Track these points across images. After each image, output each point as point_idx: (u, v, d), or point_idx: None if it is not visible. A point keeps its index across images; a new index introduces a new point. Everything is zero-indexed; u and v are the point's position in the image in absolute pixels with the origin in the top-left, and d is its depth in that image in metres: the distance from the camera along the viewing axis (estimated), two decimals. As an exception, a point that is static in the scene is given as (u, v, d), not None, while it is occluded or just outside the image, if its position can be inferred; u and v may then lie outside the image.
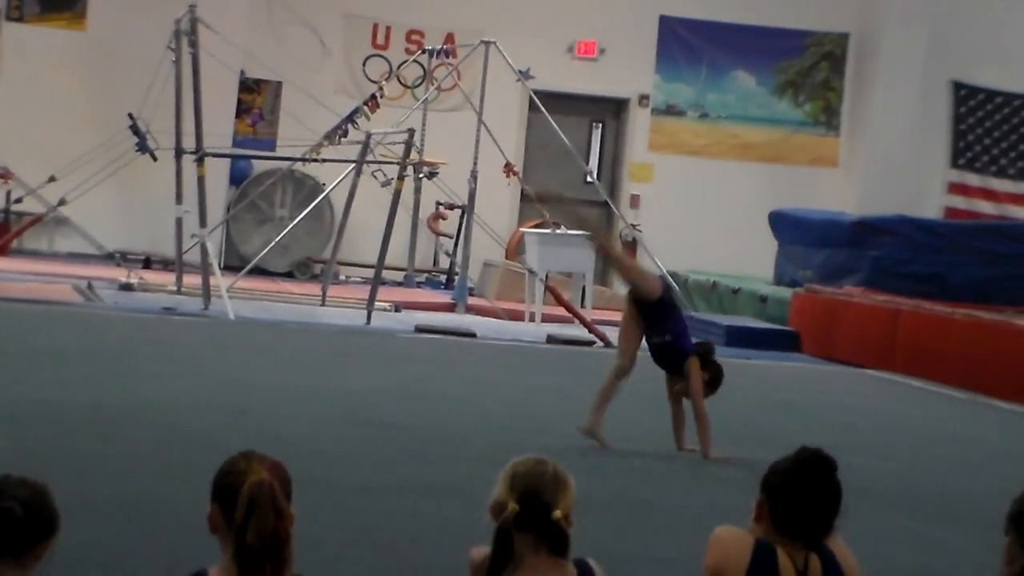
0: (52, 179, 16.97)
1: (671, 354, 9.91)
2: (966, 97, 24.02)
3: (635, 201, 23.59)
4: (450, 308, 19.00)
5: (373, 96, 19.17)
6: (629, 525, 7.58)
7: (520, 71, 19.74)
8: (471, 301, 19.23)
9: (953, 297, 17.26)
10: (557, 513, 3.73)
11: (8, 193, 20.01)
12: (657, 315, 9.92)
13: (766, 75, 23.99)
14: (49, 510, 3.46)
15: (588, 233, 11.24)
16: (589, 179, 21.59)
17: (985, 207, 23.97)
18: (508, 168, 19.78)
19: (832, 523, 4.00)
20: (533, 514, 3.73)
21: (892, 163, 23.17)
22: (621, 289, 22.65)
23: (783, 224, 20.93)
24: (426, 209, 21.54)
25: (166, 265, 20.00)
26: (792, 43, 23.94)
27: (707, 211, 23.32)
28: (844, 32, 23.94)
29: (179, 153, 17.38)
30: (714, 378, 9.97)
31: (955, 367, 15.40)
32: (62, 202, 17.16)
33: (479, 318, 18.38)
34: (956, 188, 24.05)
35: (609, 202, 21.56)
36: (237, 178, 21.89)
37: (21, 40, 21.61)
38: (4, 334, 13.22)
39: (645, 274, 10.50)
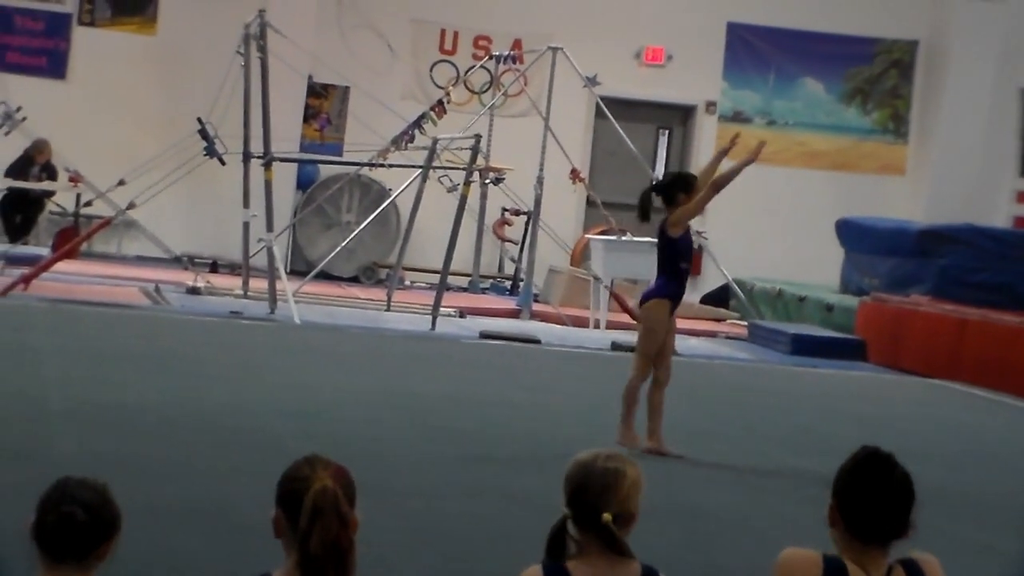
0: (121, 183, 17.08)
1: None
2: (1036, 106, 23.83)
3: (701, 208, 23.46)
4: (515, 314, 18.99)
5: (440, 101, 19.21)
6: (694, 534, 7.55)
7: (587, 77, 19.72)
8: (536, 307, 19.21)
9: (1021, 307, 17.10)
10: (606, 516, 3.71)
11: (78, 196, 20.15)
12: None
13: (834, 82, 23.87)
14: (110, 511, 3.47)
15: None
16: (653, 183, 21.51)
17: (1055, 216, 23.76)
18: (574, 174, 19.77)
19: (905, 520, 3.92)
20: (583, 517, 3.73)
21: (960, 172, 23.00)
22: (686, 296, 22.59)
23: (850, 232, 20.81)
24: (492, 215, 21.55)
25: (233, 269, 20.09)
26: (861, 50, 23.81)
27: (773, 219, 23.21)
28: (913, 39, 23.80)
29: (247, 157, 17.46)
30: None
31: (1023, 377, 15.25)
32: (131, 205, 17.27)
33: (544, 324, 18.36)
34: (1025, 197, 23.85)
35: (675, 209, 21.45)
36: (304, 182, 21.97)
37: (92, 44, 21.79)
38: (73, 337, 13.33)
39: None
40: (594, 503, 3.72)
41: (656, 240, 10.07)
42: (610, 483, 3.75)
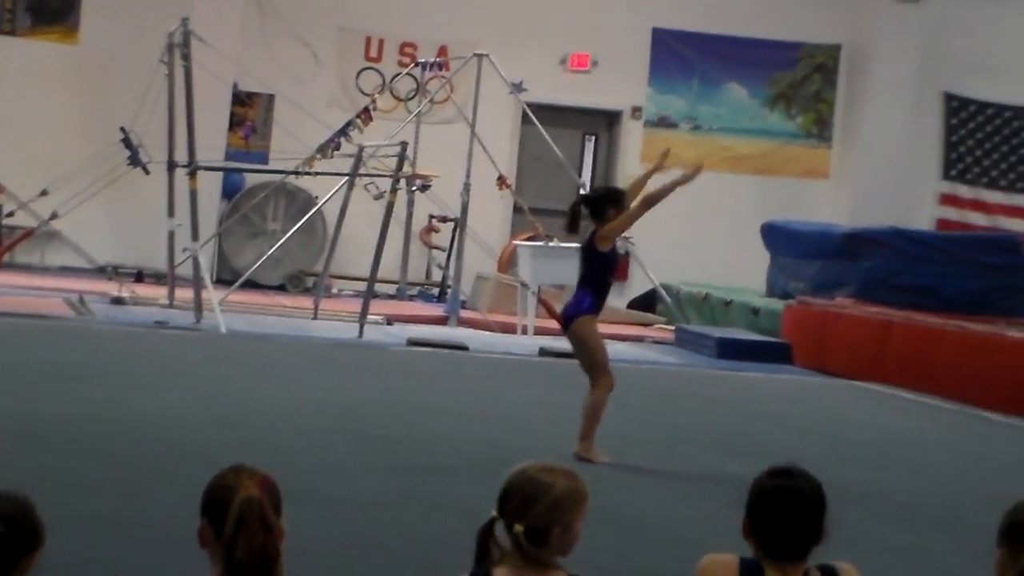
0: (44, 193, 16.96)
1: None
2: (958, 109, 24.06)
3: (628, 213, 23.52)
4: (442, 321, 18.98)
5: (366, 109, 19.18)
6: (621, 540, 7.57)
7: (513, 84, 19.75)
8: (463, 314, 19.22)
9: (945, 309, 17.27)
10: (517, 528, 3.71)
11: (0, 207, 19.99)
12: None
13: (758, 87, 24.01)
14: (32, 524, 3.44)
15: None
16: (582, 192, 21.57)
17: (977, 218, 24.00)
18: (501, 181, 19.79)
19: (818, 533, 3.93)
20: (505, 523, 3.74)
21: (884, 175, 23.18)
22: (613, 301, 22.66)
23: (775, 236, 20.94)
24: (419, 222, 21.54)
25: (158, 279, 19.96)
26: (784, 55, 23.95)
27: (699, 223, 23.31)
28: (836, 44, 23.97)
29: (171, 166, 17.37)
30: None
31: (947, 379, 15.40)
32: (54, 216, 17.15)
33: (471, 331, 18.37)
34: (948, 199, 24.07)
35: (601, 214, 21.51)
36: (229, 191, 21.87)
37: (13, 54, 21.59)
38: (-4, 348, 13.20)
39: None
40: (512, 512, 3.73)
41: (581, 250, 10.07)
42: (532, 494, 3.73)
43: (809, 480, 3.98)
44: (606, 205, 9.84)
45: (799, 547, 3.92)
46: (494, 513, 3.77)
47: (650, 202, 9.95)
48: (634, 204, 9.90)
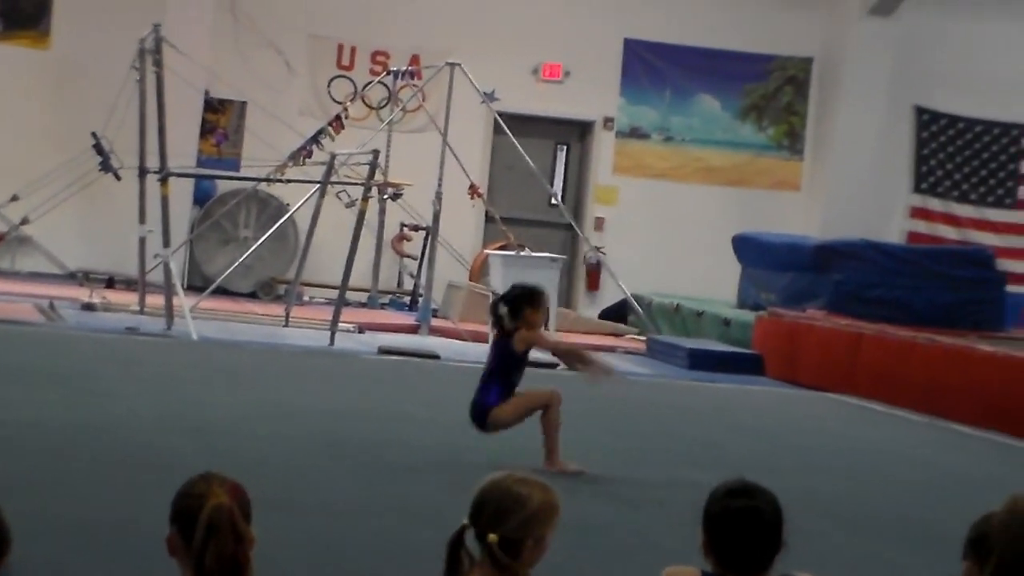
0: (15, 198, 16.90)
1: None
2: (929, 122, 24.15)
3: (599, 224, 23.60)
4: (414, 330, 18.96)
5: (338, 117, 19.16)
6: (590, 551, 7.57)
7: (485, 93, 19.76)
8: (435, 323, 19.21)
9: (916, 321, 17.32)
10: (492, 537, 3.71)
11: (-30, 212, 19.93)
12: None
13: (730, 99, 24.06)
14: (0, 529, 3.43)
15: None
16: (553, 201, 21.61)
17: (947, 232, 24.09)
18: (473, 190, 19.79)
19: (771, 556, 3.92)
20: (477, 533, 3.73)
21: (855, 187, 23.25)
22: (584, 311, 22.72)
23: (746, 247, 20.98)
24: (390, 230, 21.53)
25: (129, 285, 19.89)
26: (756, 67, 24.01)
27: (671, 234, 23.35)
28: (808, 56, 24.04)
29: (143, 172, 17.32)
30: None
31: (917, 391, 15.44)
32: (24, 221, 17.09)
33: (443, 340, 18.35)
34: (918, 212, 24.16)
35: (573, 225, 21.58)
36: (201, 198, 21.82)
37: (-16, 58, 21.53)
38: (-35, 353, 13.14)
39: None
40: (486, 522, 3.72)
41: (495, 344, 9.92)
42: (507, 506, 3.74)
43: (765, 495, 3.97)
44: (522, 304, 9.76)
45: (760, 562, 3.92)
46: (465, 521, 3.77)
47: (564, 353, 9.94)
48: (562, 344, 9.80)
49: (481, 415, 9.75)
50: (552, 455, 9.70)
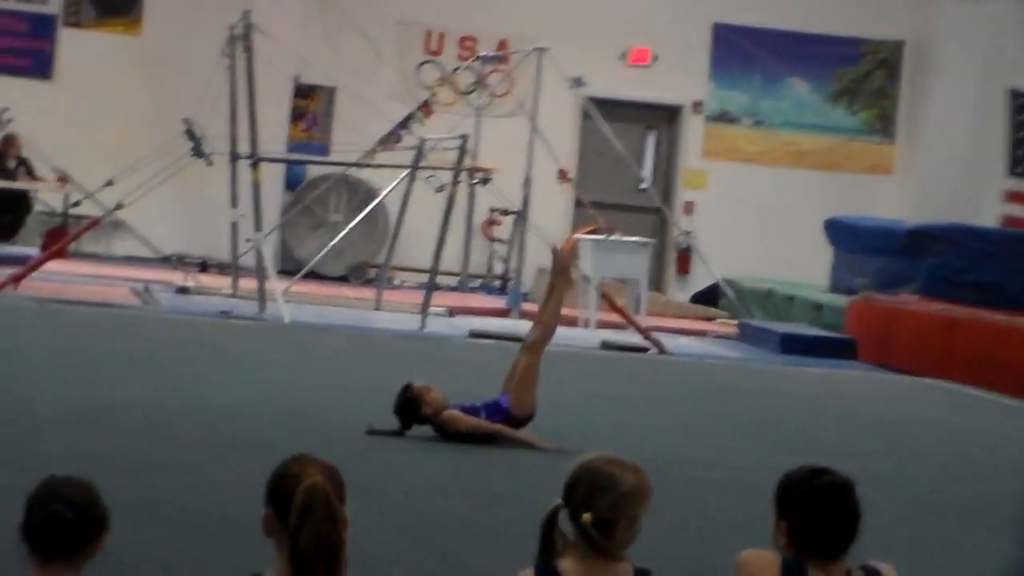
0: (109, 183, 17.05)
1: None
2: (1023, 105, 23.86)
3: (689, 208, 23.53)
4: (504, 313, 18.99)
5: (426, 102, 19.20)
6: (683, 532, 7.55)
7: (573, 78, 19.71)
8: (525, 307, 19.20)
9: (1010, 305, 17.14)
10: (585, 517, 3.72)
11: (66, 197, 20.15)
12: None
13: (821, 82, 23.89)
14: (98, 508, 3.47)
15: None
16: (643, 186, 21.55)
17: (1043, 216, 23.80)
18: (562, 174, 19.77)
19: (851, 537, 3.93)
20: (571, 513, 3.75)
21: (948, 171, 23.02)
22: (675, 295, 22.66)
23: (839, 232, 20.84)
24: (480, 215, 21.55)
25: (222, 269, 20.06)
26: (847, 51, 23.83)
27: (762, 218, 23.23)
28: (900, 40, 23.82)
29: (234, 158, 17.44)
30: None
31: (1012, 376, 15.27)
32: (119, 206, 17.24)
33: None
34: (1013, 196, 23.88)
35: (663, 208, 21.52)
36: (292, 183, 21.97)
37: (78, 45, 21.76)
38: (62, 336, 13.31)
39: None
40: (580, 502, 3.73)
41: None
42: (600, 486, 3.76)
43: (845, 477, 3.99)
44: (409, 408, 9.49)
45: (841, 543, 3.91)
46: (559, 502, 3.78)
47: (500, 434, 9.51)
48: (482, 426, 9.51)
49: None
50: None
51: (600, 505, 3.73)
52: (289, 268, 20.67)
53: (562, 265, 10.04)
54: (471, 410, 9.55)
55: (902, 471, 9.85)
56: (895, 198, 23.42)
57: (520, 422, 9.55)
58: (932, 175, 23.19)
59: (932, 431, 12.81)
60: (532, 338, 9.72)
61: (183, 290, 17.71)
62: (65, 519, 3.40)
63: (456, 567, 6.60)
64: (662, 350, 16.57)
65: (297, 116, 22.33)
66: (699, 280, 22.52)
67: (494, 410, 9.55)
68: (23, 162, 20.52)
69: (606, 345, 16.61)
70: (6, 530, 3.49)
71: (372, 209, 20.11)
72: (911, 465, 10.29)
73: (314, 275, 19.79)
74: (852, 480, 3.99)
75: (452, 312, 18.28)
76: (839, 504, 3.92)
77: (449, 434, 9.48)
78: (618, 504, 3.74)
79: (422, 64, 22.78)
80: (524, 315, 18.88)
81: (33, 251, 18.75)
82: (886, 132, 24.08)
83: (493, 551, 6.77)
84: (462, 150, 17.41)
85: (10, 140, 19.99)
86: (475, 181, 19.47)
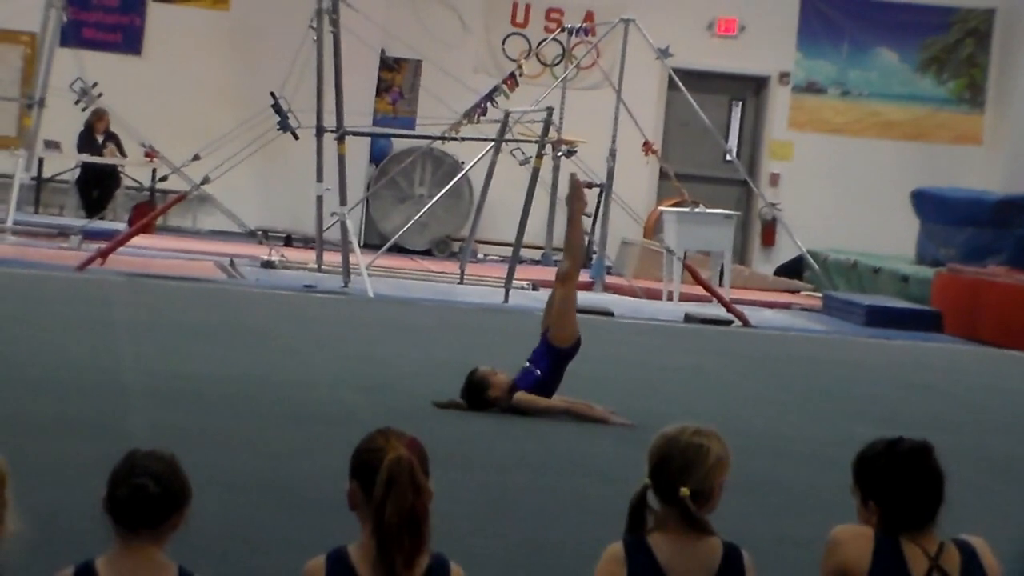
0: (196, 158, 17.19)
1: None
2: (1115, 73, 23.53)
3: (775, 179, 23.39)
4: (588, 287, 18.96)
5: (512, 75, 19.18)
6: (765, 506, 7.54)
7: (659, 49, 19.64)
8: (609, 280, 19.19)
9: (1099, 277, 16.93)
10: (683, 491, 3.74)
11: (154, 171, 20.32)
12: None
13: (909, 52, 23.66)
14: (180, 481, 3.52)
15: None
16: (728, 158, 21.46)
17: None
18: (647, 146, 19.71)
19: (937, 505, 3.92)
20: (663, 490, 3.76)
21: (1038, 141, 22.72)
22: (759, 267, 22.56)
23: (925, 203, 20.65)
24: (564, 188, 21.49)
25: (307, 243, 20.19)
26: (937, 19, 23.58)
27: (848, 189, 23.05)
28: (990, 7, 23.54)
29: (320, 131, 17.52)
30: None
31: (1102, 349, 15.11)
32: (205, 180, 17.37)
33: (617, 297, 18.34)
34: (1104, 166, 23.56)
35: (748, 180, 21.41)
36: (377, 156, 22.04)
37: (166, 20, 21.93)
38: (149, 310, 13.45)
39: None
40: (674, 477, 3.75)
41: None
42: (692, 459, 3.79)
43: (922, 441, 3.98)
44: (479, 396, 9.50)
45: (930, 512, 3.91)
46: (647, 481, 3.79)
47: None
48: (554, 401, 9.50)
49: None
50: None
51: (696, 477, 3.76)
52: (373, 242, 20.75)
53: (577, 189, 10.04)
54: (529, 376, 9.54)
55: (987, 444, 9.77)
56: (983, 169, 23.16)
57: (567, 354, 9.54)
58: (1021, 145, 22.90)
59: (1018, 403, 12.69)
60: (564, 269, 9.76)
61: (268, 264, 17.82)
62: (148, 492, 3.45)
63: (539, 538, 6.62)
64: (746, 323, 16.51)
65: (383, 89, 22.40)
66: (784, 252, 22.40)
67: (540, 358, 9.50)
68: (112, 137, 20.73)
69: (689, 318, 16.56)
70: (93, 503, 3.54)
71: (456, 182, 20.15)
72: (996, 437, 10.20)
73: (398, 249, 19.87)
74: (929, 443, 3.97)
75: (536, 286, 18.28)
76: (921, 468, 3.91)
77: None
78: (710, 473, 3.79)
79: (508, 36, 22.77)
80: (608, 288, 18.89)
81: (120, 226, 18.94)
82: (975, 102, 23.82)
83: (577, 523, 6.79)
84: (547, 123, 17.40)
85: (99, 115, 20.18)
86: (560, 154, 19.45)
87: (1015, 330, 16.45)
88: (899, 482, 3.89)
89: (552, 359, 9.54)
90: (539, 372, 9.55)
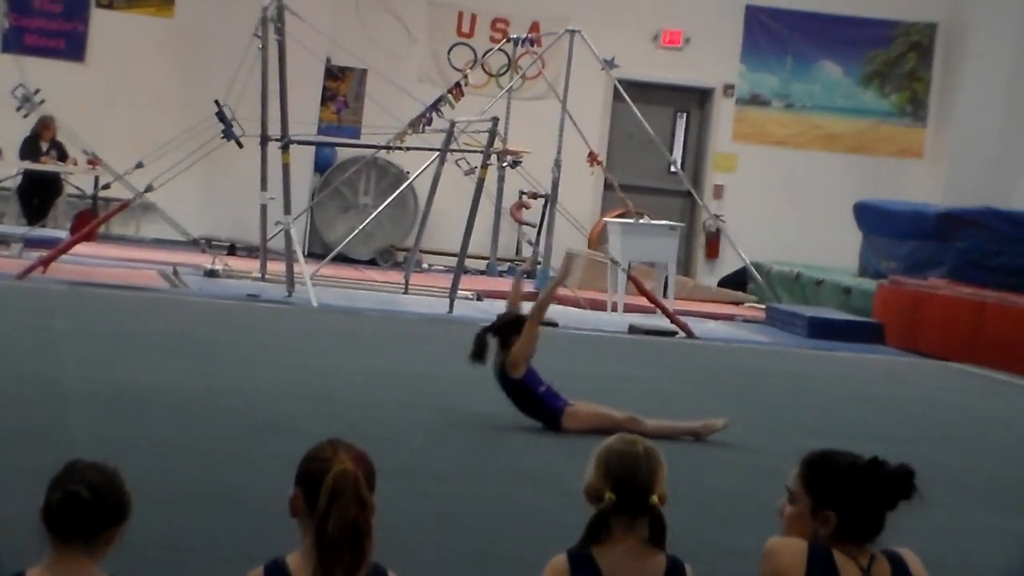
0: (139, 165, 17.10)
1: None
2: (1055, 89, 23.72)
3: (719, 191, 23.49)
4: (532, 297, 18.90)
5: (457, 84, 19.19)
6: (709, 518, 7.55)
7: (605, 60, 19.68)
8: (553, 290, 19.18)
9: (1041, 290, 17.04)
10: (654, 498, 3.76)
11: (96, 179, 20.20)
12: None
13: (852, 65, 23.81)
14: (119, 495, 3.48)
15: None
16: (673, 169, 21.53)
17: (1075, 200, 23.66)
18: (592, 157, 19.75)
19: (883, 515, 3.94)
20: (630, 500, 3.77)
21: (979, 154, 22.91)
22: (703, 279, 22.63)
23: (868, 215, 20.76)
24: (509, 198, 21.54)
25: (250, 252, 20.11)
26: (879, 33, 23.74)
27: (791, 202, 23.18)
28: (932, 22, 23.72)
29: (264, 140, 17.46)
30: None
31: (1042, 361, 15.22)
32: (149, 188, 17.29)
33: (561, 307, 18.34)
34: (1045, 180, 23.75)
35: (693, 192, 21.48)
36: (321, 165, 21.99)
37: (110, 27, 21.82)
38: (91, 319, 13.37)
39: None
40: (642, 487, 3.76)
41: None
42: (655, 466, 3.84)
43: (905, 465, 3.99)
44: (510, 333, 9.48)
45: (876, 521, 3.91)
46: (611, 496, 3.77)
47: (538, 314, 9.50)
48: (526, 325, 9.45)
49: (554, 417, 9.55)
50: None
51: (660, 482, 3.82)
52: (318, 251, 20.71)
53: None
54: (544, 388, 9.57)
55: (929, 456, 9.82)
56: (925, 182, 23.33)
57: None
58: (963, 158, 23.09)
59: (960, 416, 12.78)
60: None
61: (212, 273, 17.75)
62: (82, 499, 3.41)
63: (483, 550, 6.61)
64: (690, 334, 16.56)
65: (328, 98, 22.36)
66: (728, 264, 22.49)
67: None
68: (55, 145, 20.59)
69: (634, 329, 16.59)
70: (31, 514, 3.51)
71: (401, 192, 20.13)
72: (938, 450, 10.26)
73: (343, 258, 19.83)
74: (912, 468, 3.98)
75: (480, 296, 18.29)
76: (905, 491, 3.93)
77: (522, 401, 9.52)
78: (664, 477, 3.82)
79: (453, 46, 22.78)
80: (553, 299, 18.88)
81: (62, 234, 18.80)
82: (917, 115, 23.99)
83: (521, 534, 6.78)
84: (492, 133, 17.41)
85: (46, 123, 20.05)
86: (505, 164, 19.48)
87: (955, 342, 16.57)
88: (879, 501, 3.90)
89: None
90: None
